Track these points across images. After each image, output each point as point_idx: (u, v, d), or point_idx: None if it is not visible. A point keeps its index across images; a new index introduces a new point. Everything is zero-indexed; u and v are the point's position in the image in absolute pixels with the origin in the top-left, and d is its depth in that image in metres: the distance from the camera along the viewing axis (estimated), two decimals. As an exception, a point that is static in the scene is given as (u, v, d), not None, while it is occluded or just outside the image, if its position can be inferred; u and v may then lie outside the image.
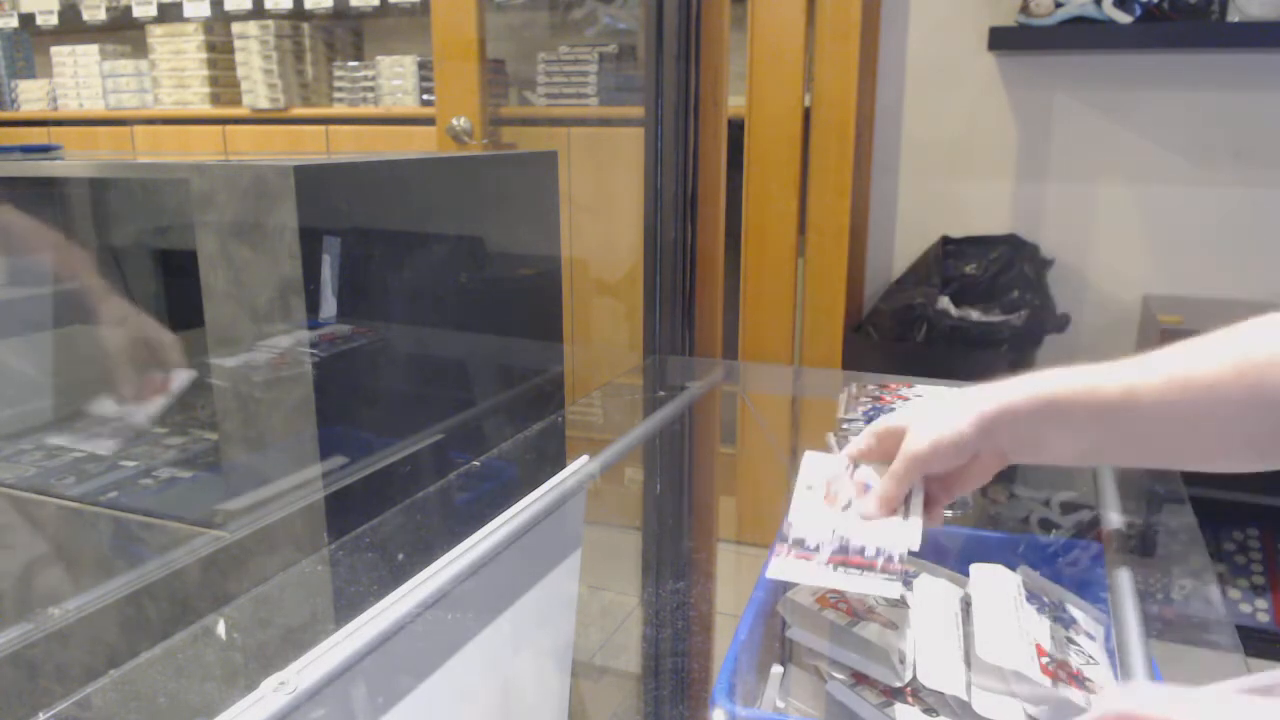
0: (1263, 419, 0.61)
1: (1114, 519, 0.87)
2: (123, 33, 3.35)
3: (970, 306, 2.14)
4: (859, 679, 0.65)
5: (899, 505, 0.71)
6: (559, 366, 1.45)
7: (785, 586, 0.79)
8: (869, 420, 1.13)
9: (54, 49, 3.35)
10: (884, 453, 0.75)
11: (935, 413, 0.71)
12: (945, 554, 0.84)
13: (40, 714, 0.57)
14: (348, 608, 0.65)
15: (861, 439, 0.76)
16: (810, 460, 0.80)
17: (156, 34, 3.12)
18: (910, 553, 0.67)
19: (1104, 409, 0.65)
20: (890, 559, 0.66)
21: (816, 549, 0.70)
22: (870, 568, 0.68)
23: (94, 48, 3.27)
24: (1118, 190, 2.21)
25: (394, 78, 2.86)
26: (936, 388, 1.24)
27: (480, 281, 1.24)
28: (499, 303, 1.30)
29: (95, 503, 1.09)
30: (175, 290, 1.51)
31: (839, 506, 0.74)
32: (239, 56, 2.99)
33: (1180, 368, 0.64)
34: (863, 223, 2.40)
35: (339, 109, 2.98)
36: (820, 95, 2.16)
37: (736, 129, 2.12)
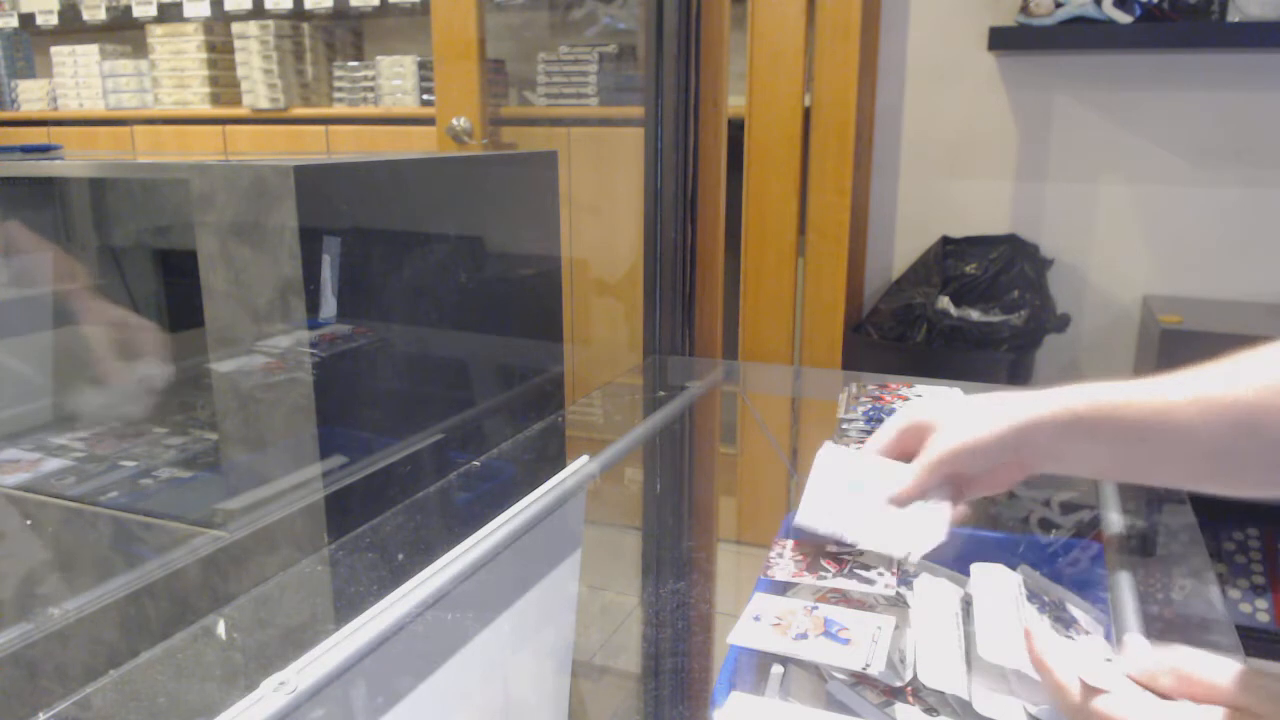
0: None
1: (1114, 519, 0.87)
2: (123, 33, 3.35)
3: (970, 306, 2.14)
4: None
5: (923, 497, 0.72)
6: (559, 366, 1.45)
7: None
8: (869, 420, 1.12)
9: (54, 49, 3.35)
10: (904, 449, 0.75)
11: (968, 415, 0.70)
12: (945, 554, 0.84)
13: (40, 714, 0.57)
14: (348, 608, 0.65)
15: (885, 433, 0.76)
16: (826, 452, 0.80)
17: (156, 34, 3.12)
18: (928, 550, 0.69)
19: (1130, 428, 0.63)
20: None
21: (830, 536, 0.74)
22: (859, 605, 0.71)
23: (94, 48, 3.27)
24: (1118, 190, 2.20)
25: (394, 78, 2.86)
26: (936, 388, 1.24)
27: (480, 281, 1.24)
28: (499, 303, 1.30)
29: (95, 503, 1.09)
30: (175, 290, 1.51)
31: (858, 496, 0.75)
32: (239, 56, 2.99)
33: (1213, 389, 0.61)
34: (863, 223, 2.40)
35: (339, 109, 2.98)
36: (820, 95, 2.16)
37: (736, 129, 2.12)
